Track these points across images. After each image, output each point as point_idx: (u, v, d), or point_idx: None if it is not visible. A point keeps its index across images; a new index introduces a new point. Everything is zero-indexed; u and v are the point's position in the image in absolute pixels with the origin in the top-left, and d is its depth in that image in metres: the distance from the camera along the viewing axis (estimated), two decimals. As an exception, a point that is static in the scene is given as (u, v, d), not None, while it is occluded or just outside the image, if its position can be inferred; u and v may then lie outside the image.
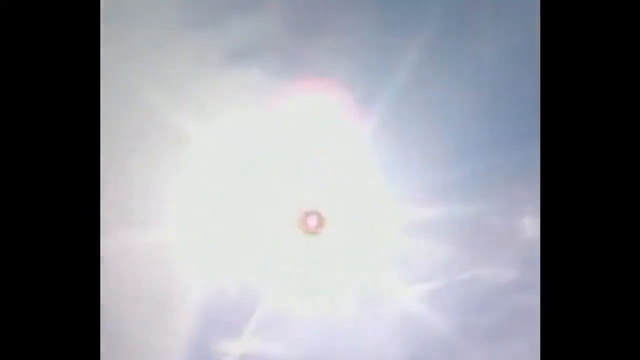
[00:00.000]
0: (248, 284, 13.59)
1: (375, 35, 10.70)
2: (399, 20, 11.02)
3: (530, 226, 16.00)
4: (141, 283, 10.78)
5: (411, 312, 13.96)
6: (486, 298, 15.07)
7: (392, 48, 10.67)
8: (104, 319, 3.39)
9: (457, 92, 11.95)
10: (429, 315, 13.80)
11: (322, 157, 12.08)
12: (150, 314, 11.98)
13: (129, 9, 7.74)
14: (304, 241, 12.30)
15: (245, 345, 13.76)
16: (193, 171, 11.12)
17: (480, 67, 11.69)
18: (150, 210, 10.29)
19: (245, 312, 13.31)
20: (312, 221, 12.71)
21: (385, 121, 12.93)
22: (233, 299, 13.57)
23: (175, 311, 12.52)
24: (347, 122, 11.98)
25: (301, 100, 11.01)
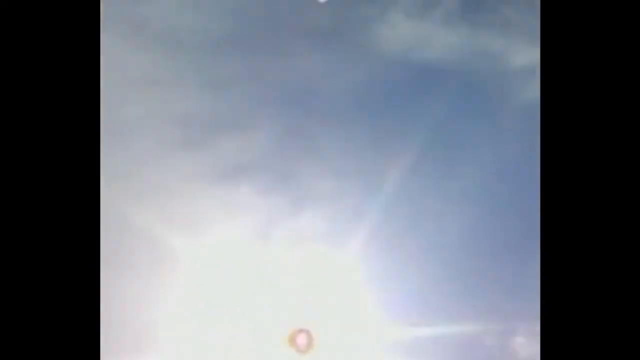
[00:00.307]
0: None
1: (363, 153, 10.92)
2: (385, 138, 11.28)
3: (523, 345, 15.80)
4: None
5: None
6: None
7: (380, 165, 10.87)
8: None
9: (447, 208, 12.10)
10: None
11: (312, 276, 12.08)
12: None
13: (127, 126, 7.92)
14: (294, 359, 12.11)
15: None
16: (183, 289, 11.04)
17: (469, 183, 11.89)
18: (144, 333, 10.14)
19: None
20: (302, 339, 12.58)
21: (374, 238, 13.01)
22: None
23: None
24: (336, 241, 12.04)
25: (291, 223, 11.10)
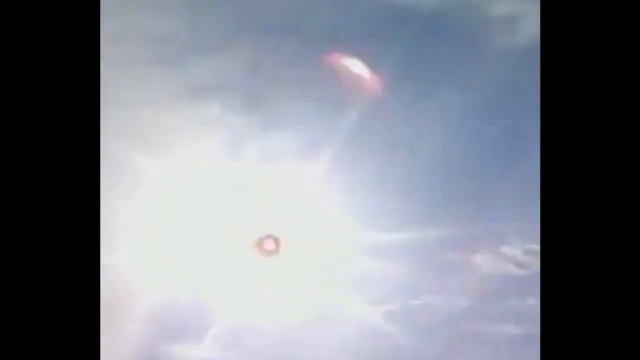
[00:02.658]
0: (205, 301, 14.66)
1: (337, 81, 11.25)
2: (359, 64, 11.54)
3: (484, 262, 16.47)
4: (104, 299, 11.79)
5: (363, 332, 14.77)
6: (437, 324, 15.69)
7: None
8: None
9: (418, 123, 12.43)
10: (381, 335, 14.60)
11: (282, 190, 12.91)
12: (108, 323, 13.04)
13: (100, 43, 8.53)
14: (261, 262, 13.23)
15: (202, 352, 14.89)
16: (153, 198, 12.09)
17: (445, 95, 12.12)
18: (108, 231, 11.24)
19: (202, 324, 14.38)
20: (269, 244, 13.66)
21: (345, 149, 13.63)
22: (191, 312, 14.69)
23: (132, 320, 13.65)
24: (307, 150, 12.70)
25: (262, 134, 11.73)
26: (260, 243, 13.71)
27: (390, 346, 14.66)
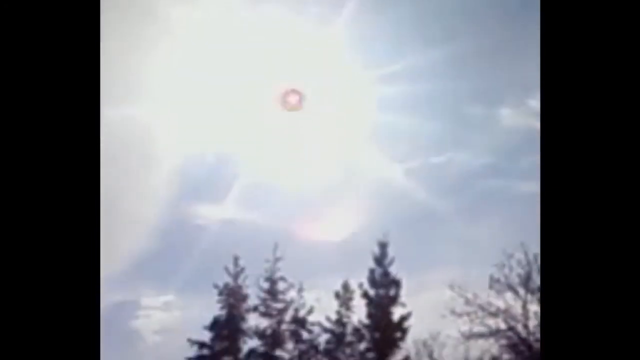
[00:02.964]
0: (229, 156, 14.29)
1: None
2: None
3: (507, 116, 16.31)
4: (124, 150, 11.46)
5: (386, 188, 14.64)
6: (460, 180, 15.69)
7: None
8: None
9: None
10: (404, 190, 14.48)
11: (304, 39, 12.39)
12: (132, 179, 12.74)
13: None
14: (285, 117, 12.86)
15: (225, 212, 14.65)
16: (176, 47, 11.56)
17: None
18: (133, 83, 10.82)
19: (226, 181, 14.13)
20: (292, 99, 13.17)
21: (364, 3, 13.15)
22: (214, 169, 14.34)
23: (155, 177, 13.34)
24: (326, 6, 12.24)
25: None
26: (284, 97, 13.23)
27: (412, 204, 14.66)
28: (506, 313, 14.08)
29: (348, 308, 14.48)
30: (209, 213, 13.14)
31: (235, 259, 14.32)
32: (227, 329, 14.39)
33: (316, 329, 14.47)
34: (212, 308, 13.99)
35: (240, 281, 14.41)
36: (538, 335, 12.72)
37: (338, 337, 14.44)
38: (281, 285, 14.46)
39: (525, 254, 13.70)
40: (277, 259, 14.33)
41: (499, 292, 14.19)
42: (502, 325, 14.16)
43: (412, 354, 14.23)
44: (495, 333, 14.18)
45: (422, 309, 13.81)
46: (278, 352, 14.30)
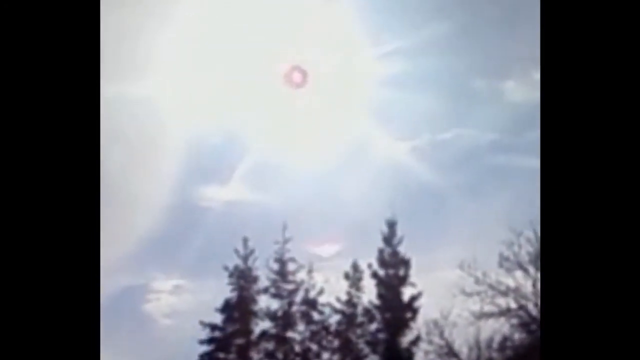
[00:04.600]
0: (234, 135, 14.23)
1: None
2: None
3: (513, 90, 16.16)
4: (128, 130, 11.45)
5: (393, 166, 14.54)
6: (467, 156, 15.56)
7: None
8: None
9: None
10: (411, 168, 14.39)
11: (307, 17, 12.28)
12: (137, 160, 12.73)
13: None
14: (289, 95, 12.77)
15: (231, 192, 14.63)
16: (181, 26, 11.47)
17: None
18: (138, 62, 10.77)
19: (231, 161, 14.08)
20: (296, 77, 13.06)
21: None
22: (219, 148, 14.27)
23: (161, 157, 13.30)
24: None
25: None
26: (288, 75, 13.10)
27: (419, 182, 14.53)
28: (516, 292, 14.01)
29: (358, 289, 14.47)
30: (215, 194, 13.19)
31: (245, 241, 14.35)
32: (238, 311, 14.43)
33: (327, 310, 14.50)
34: (221, 290, 14.06)
35: (250, 263, 14.45)
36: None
37: (349, 318, 14.47)
38: (291, 267, 14.48)
39: (535, 231, 13.59)
40: (286, 240, 14.37)
41: (509, 271, 14.13)
42: (513, 304, 14.12)
43: (423, 334, 14.24)
44: (505, 312, 14.13)
45: (432, 289, 13.77)
46: (289, 334, 14.35)
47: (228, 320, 14.45)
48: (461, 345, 14.24)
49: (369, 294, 14.18)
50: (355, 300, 14.46)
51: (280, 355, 14.26)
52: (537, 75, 13.34)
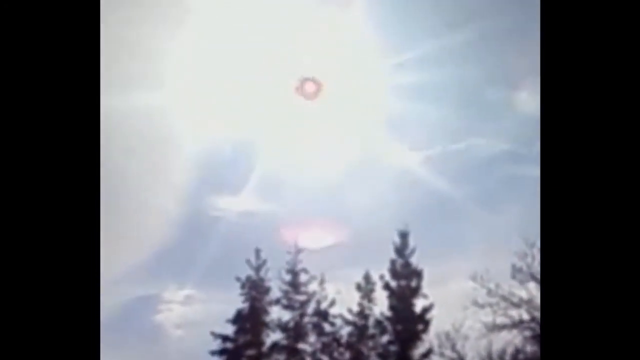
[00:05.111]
0: (246, 145, 14.18)
1: None
2: None
3: (526, 101, 16.07)
4: (142, 140, 11.46)
5: (406, 177, 14.48)
6: (479, 167, 15.51)
7: None
8: (106, 171, 3.57)
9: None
10: (423, 180, 14.34)
11: (319, 28, 12.27)
12: (149, 170, 12.73)
13: None
14: (302, 106, 12.74)
15: (242, 203, 14.59)
16: (194, 36, 11.47)
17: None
18: (151, 71, 10.77)
19: (243, 172, 14.04)
20: (310, 87, 13.02)
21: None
22: (231, 158, 14.25)
23: (173, 168, 13.30)
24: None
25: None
26: (301, 86, 13.07)
27: (431, 192, 14.47)
28: (529, 303, 13.93)
29: (370, 300, 14.42)
30: (227, 204, 13.16)
31: (257, 252, 14.31)
32: (249, 322, 14.39)
33: (338, 322, 14.45)
34: (233, 301, 14.02)
35: (262, 274, 14.41)
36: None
37: (360, 330, 14.40)
38: (303, 278, 14.43)
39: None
40: (298, 251, 14.32)
41: (522, 282, 14.04)
42: (526, 316, 14.03)
43: (435, 346, 14.15)
44: (518, 324, 14.04)
45: (444, 300, 13.70)
46: (301, 345, 14.30)
47: (239, 331, 14.42)
48: (473, 358, 14.16)
49: (380, 305, 14.15)
50: (366, 311, 14.41)
51: (291, 366, 14.24)
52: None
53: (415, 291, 14.39)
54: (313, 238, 13.72)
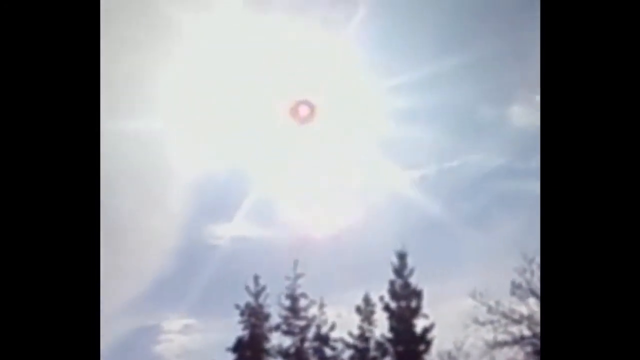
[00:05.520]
0: (239, 171, 14.14)
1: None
2: None
3: (518, 114, 16.10)
4: (137, 169, 11.42)
5: (401, 198, 14.49)
6: (475, 183, 15.52)
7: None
8: (103, 202, 3.57)
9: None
10: (419, 200, 14.32)
11: (312, 50, 12.29)
12: (145, 198, 12.68)
13: None
14: (296, 130, 12.72)
15: (238, 229, 14.53)
16: (186, 61, 11.47)
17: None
18: (144, 99, 10.76)
19: (238, 198, 14.00)
20: (303, 110, 13.01)
21: (373, 13, 13.05)
22: (224, 185, 14.20)
23: (168, 195, 13.26)
24: (336, 16, 12.16)
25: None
26: (294, 109, 13.06)
27: (428, 211, 14.41)
28: (530, 319, 13.90)
29: (370, 322, 14.36)
30: (223, 232, 13.13)
31: (256, 278, 14.24)
32: (250, 349, 14.30)
33: (339, 346, 14.36)
34: (232, 329, 13.94)
35: (261, 300, 14.34)
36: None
37: (361, 353, 14.32)
38: (302, 302, 14.36)
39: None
40: (297, 276, 14.25)
41: (522, 298, 14.03)
42: (527, 332, 13.99)
43: (437, 366, 14.08)
44: (519, 340, 14.00)
45: (444, 319, 13.66)
46: (302, 371, 14.22)
47: (240, 359, 14.32)
48: (476, 376, 14.10)
49: (381, 327, 14.10)
50: (367, 334, 14.35)
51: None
52: (539, 98, 13.47)
53: (415, 311, 14.35)
54: (311, 261, 13.72)
